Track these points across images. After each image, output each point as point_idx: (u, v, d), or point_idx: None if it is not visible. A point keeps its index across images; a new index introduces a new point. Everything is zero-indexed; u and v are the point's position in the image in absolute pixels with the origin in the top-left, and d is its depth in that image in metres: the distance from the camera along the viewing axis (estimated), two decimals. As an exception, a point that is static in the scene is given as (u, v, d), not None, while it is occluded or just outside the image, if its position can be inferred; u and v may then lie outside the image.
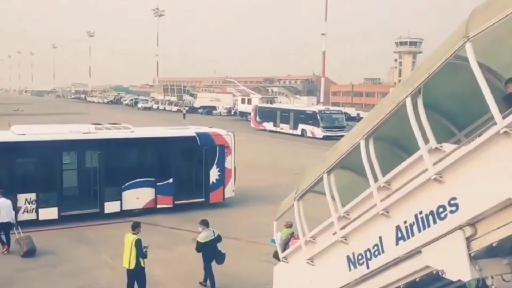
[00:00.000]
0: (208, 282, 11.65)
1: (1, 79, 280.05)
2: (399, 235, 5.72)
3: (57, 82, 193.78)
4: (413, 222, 5.51)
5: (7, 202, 13.95)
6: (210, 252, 11.42)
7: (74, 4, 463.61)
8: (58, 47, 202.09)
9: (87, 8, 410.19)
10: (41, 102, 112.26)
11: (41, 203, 16.07)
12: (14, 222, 14.17)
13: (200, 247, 11.36)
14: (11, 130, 17.24)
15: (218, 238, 11.54)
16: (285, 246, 10.64)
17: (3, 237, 14.01)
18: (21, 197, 15.70)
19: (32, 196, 15.94)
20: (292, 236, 10.77)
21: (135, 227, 10.75)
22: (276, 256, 11.21)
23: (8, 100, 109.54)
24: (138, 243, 10.40)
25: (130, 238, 10.53)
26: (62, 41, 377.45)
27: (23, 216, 15.63)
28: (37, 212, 16.00)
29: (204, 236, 11.41)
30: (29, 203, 15.86)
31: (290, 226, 10.85)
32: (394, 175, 5.97)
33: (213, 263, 11.58)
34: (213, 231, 11.55)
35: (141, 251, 10.42)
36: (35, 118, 52.04)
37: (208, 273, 11.58)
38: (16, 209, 15.33)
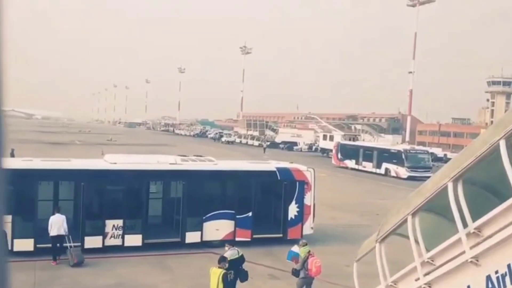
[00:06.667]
0: None
1: (98, 110, 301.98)
2: (490, 285, 5.34)
3: (148, 114, 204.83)
4: (506, 273, 5.12)
5: (59, 218, 14.94)
6: (233, 270, 11.89)
7: (166, 42, 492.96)
8: (151, 81, 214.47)
9: (179, 45, 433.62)
10: (133, 133, 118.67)
11: (127, 230, 16.65)
12: (67, 234, 15.01)
13: None
14: (104, 159, 18.25)
15: (241, 258, 12.21)
16: (303, 263, 12.19)
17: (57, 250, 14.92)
18: (109, 223, 16.40)
19: (120, 222, 16.57)
20: (310, 253, 12.23)
21: (221, 261, 11.05)
22: (294, 273, 12.48)
23: (102, 130, 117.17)
24: (224, 277, 10.70)
25: (216, 272, 10.76)
26: (155, 76, 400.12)
27: (109, 242, 16.33)
28: (123, 238, 16.58)
29: (229, 254, 11.98)
30: (116, 229, 16.49)
31: (305, 244, 12.55)
32: (485, 220, 5.62)
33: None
34: (238, 250, 12.22)
35: (228, 284, 10.76)
36: (126, 148, 55.01)
37: None
38: (103, 234, 16.21)
